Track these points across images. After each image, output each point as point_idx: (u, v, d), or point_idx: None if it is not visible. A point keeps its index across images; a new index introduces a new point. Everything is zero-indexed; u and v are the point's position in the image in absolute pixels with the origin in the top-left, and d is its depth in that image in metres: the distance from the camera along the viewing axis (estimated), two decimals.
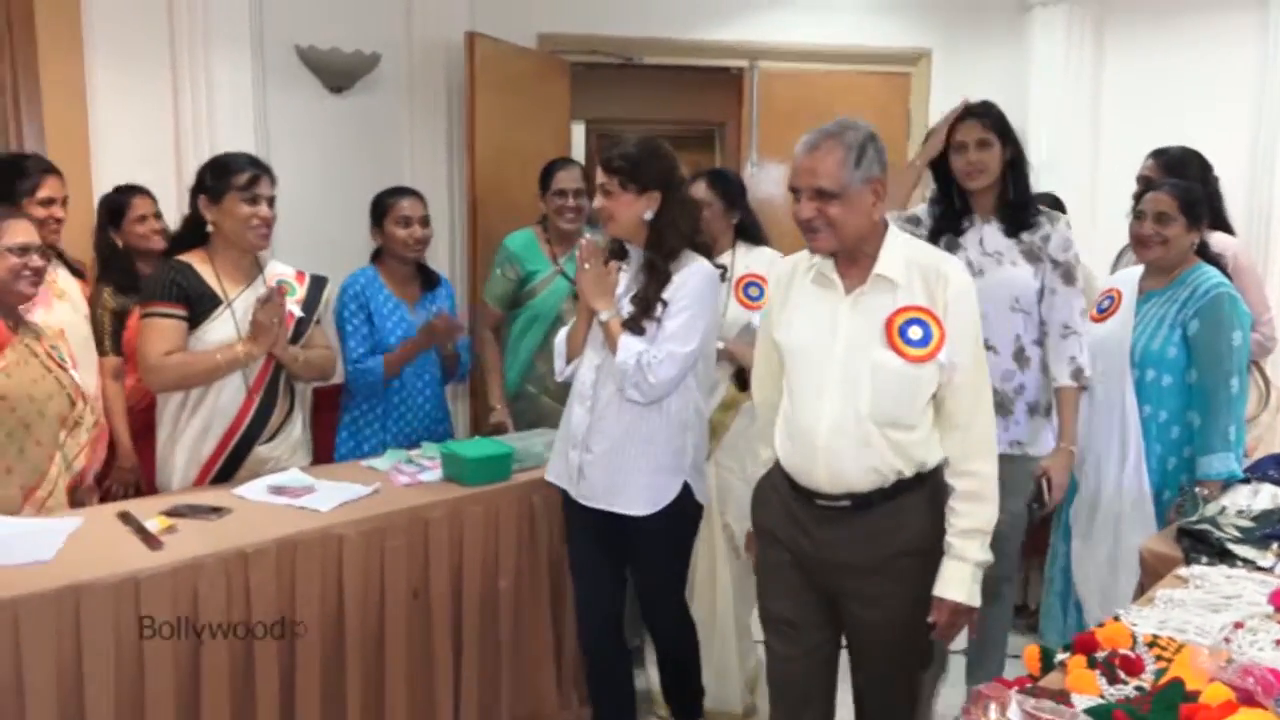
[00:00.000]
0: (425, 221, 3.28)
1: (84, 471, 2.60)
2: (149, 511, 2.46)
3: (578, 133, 6.09)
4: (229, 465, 2.78)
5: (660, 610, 2.72)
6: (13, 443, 2.42)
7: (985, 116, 2.85)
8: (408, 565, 2.58)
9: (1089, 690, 1.60)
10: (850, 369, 2.06)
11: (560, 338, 2.71)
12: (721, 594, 3.17)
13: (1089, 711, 1.47)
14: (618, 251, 2.65)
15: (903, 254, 2.09)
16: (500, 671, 2.82)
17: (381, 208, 3.28)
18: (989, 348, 2.59)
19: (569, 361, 2.68)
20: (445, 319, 3.23)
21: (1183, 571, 2.19)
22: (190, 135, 3.78)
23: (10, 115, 3.39)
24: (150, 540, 2.28)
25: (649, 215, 2.52)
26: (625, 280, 2.61)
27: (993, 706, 1.35)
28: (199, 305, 2.73)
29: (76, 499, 2.60)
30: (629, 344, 2.48)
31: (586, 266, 2.56)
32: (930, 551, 2.08)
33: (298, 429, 2.93)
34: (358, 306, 3.21)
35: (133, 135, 3.69)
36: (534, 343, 3.46)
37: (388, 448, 3.18)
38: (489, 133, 4.29)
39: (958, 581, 2.05)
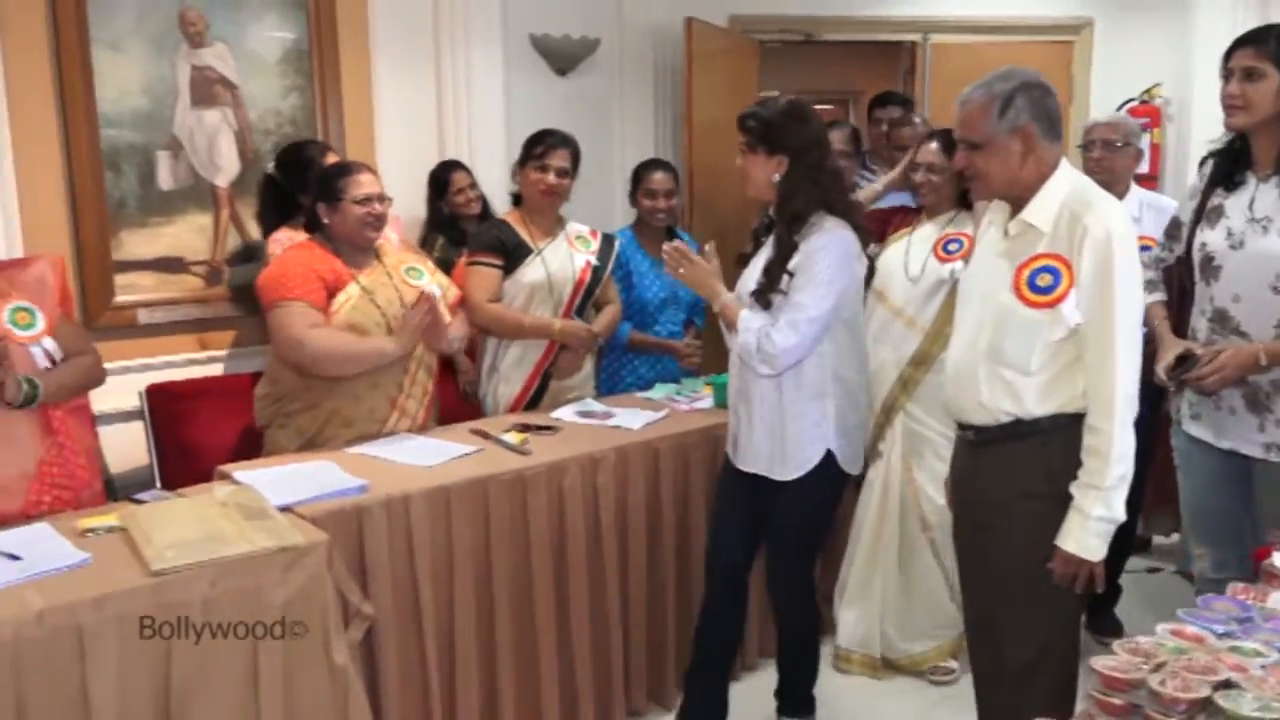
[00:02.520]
0: (670, 194, 3.68)
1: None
2: (496, 429, 2.97)
3: None
4: (537, 394, 3.29)
5: (784, 580, 2.70)
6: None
7: (1262, 42, 2.33)
8: (706, 476, 3.05)
9: None
10: (983, 308, 2.14)
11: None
12: (884, 550, 3.27)
13: None
14: (766, 223, 2.67)
15: (1059, 199, 2.07)
16: None
17: (636, 179, 3.73)
18: (1240, 333, 2.38)
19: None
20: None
21: None
22: (451, 118, 4.31)
23: (319, 107, 3.96)
24: (516, 449, 2.79)
25: (776, 178, 2.53)
26: (768, 246, 2.62)
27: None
28: (515, 254, 3.24)
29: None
30: (749, 322, 2.49)
31: (681, 271, 2.60)
32: (1055, 497, 2.06)
33: (589, 362, 3.43)
34: (616, 265, 3.55)
35: (406, 120, 4.20)
36: None
37: (636, 385, 3.65)
38: (700, 108, 4.72)
39: (1069, 531, 2.03)
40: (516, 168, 3.32)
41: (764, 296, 2.51)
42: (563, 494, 2.71)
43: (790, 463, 2.57)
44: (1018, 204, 2.14)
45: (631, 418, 3.12)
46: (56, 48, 3.34)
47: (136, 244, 3.59)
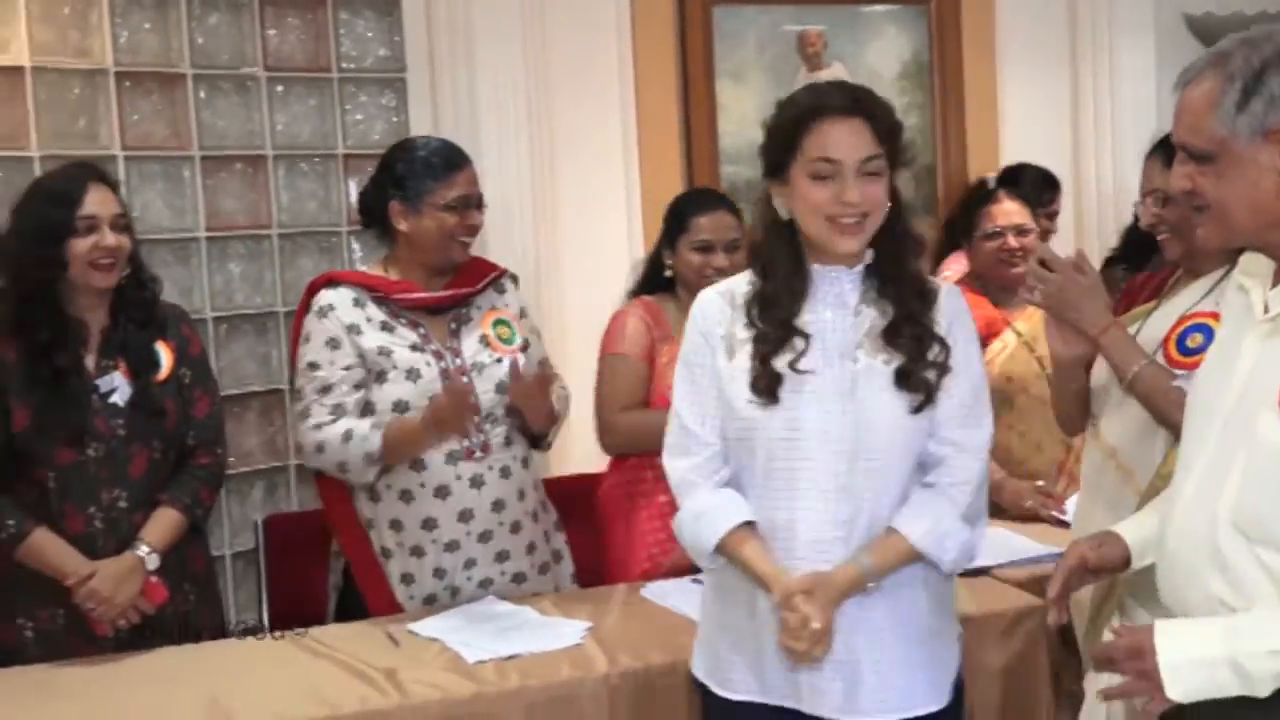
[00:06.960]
0: None
1: None
2: None
3: None
4: None
5: None
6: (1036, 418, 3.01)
7: None
8: None
9: None
10: (1228, 438, 1.57)
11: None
12: None
13: None
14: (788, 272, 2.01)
15: None
16: None
17: None
18: None
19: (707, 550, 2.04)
20: None
21: None
22: (1089, 125, 4.50)
23: (938, 124, 4.36)
24: None
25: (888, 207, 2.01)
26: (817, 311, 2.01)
27: None
28: None
29: None
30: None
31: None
32: None
33: None
34: None
35: (1035, 131, 4.46)
36: None
37: None
38: None
39: None
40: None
41: (921, 380, 1.96)
42: None
43: (932, 686, 2.02)
44: (1273, 256, 1.61)
45: None
46: (684, 83, 4.02)
47: None
